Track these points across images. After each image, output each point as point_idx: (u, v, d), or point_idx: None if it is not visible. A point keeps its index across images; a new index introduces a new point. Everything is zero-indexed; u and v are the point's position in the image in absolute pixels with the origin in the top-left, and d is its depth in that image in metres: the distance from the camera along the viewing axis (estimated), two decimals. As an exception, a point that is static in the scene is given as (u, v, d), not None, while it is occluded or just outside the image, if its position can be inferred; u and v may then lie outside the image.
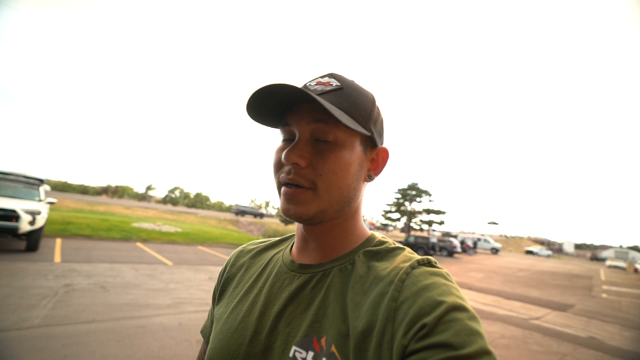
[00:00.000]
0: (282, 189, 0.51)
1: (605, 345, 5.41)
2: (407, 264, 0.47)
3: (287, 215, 0.50)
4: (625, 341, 5.81)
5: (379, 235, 0.58)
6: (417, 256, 0.49)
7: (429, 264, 0.47)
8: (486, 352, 0.36)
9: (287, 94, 0.48)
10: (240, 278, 0.62)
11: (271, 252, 0.64)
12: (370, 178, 0.57)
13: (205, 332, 0.64)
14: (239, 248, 0.69)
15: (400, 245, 0.54)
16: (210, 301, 0.68)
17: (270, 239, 0.69)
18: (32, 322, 3.49)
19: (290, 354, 0.45)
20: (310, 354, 0.44)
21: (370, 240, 0.56)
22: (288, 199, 0.50)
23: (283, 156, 0.49)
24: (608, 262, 36.82)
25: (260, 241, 0.69)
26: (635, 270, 29.31)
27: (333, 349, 0.43)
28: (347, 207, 0.53)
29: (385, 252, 0.52)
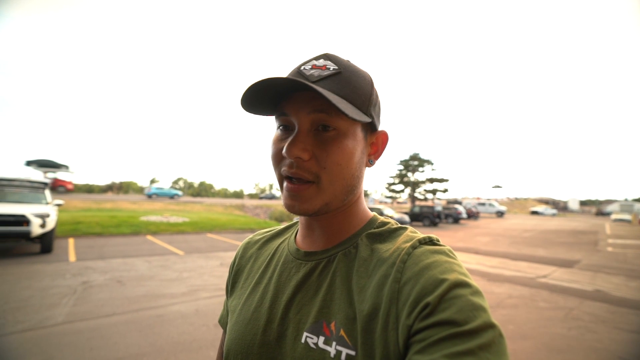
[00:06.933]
0: (285, 184, 0.50)
1: (611, 296, 5.55)
2: (408, 244, 0.47)
3: (292, 211, 0.49)
4: (630, 291, 5.94)
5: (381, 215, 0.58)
6: (419, 235, 0.49)
7: (431, 242, 0.48)
8: (490, 326, 0.36)
9: (284, 83, 0.46)
10: (250, 269, 0.63)
11: (277, 241, 0.65)
12: (371, 163, 0.56)
13: (223, 322, 0.66)
14: (246, 239, 0.70)
15: (403, 225, 0.54)
16: (223, 286, 0.69)
17: (275, 227, 0.70)
18: (55, 320, 3.62)
19: (302, 340, 0.46)
20: (321, 338, 0.45)
21: (372, 222, 0.56)
22: (292, 195, 0.49)
23: (284, 150, 0.47)
24: (613, 216, 37.09)
25: (266, 231, 0.70)
26: (641, 221, 29.56)
27: (342, 332, 0.44)
28: (351, 195, 0.53)
29: (388, 233, 0.52)
